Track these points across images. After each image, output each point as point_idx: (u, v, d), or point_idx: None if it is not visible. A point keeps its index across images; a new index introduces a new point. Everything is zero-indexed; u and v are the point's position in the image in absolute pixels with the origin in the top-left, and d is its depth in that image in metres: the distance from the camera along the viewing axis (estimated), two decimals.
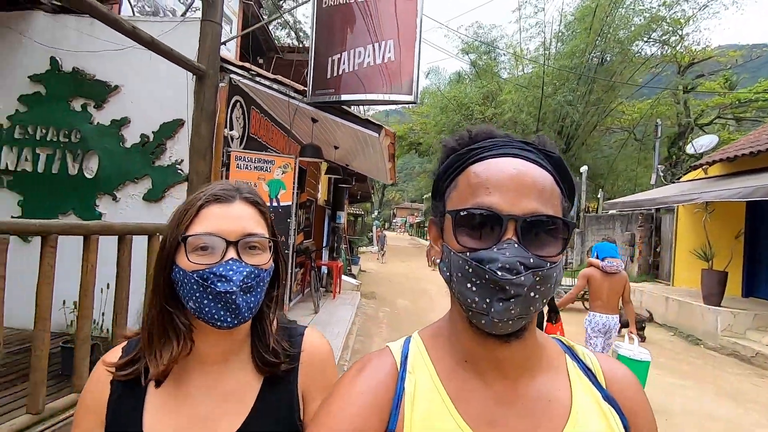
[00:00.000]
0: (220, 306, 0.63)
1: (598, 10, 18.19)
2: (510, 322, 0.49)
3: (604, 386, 0.59)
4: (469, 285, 0.50)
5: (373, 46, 3.27)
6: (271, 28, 11.57)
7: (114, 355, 0.72)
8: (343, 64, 3.39)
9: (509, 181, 0.51)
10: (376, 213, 38.12)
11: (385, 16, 3.27)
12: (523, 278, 0.47)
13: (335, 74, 3.42)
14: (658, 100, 21.21)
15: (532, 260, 0.48)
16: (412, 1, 3.20)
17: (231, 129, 3.85)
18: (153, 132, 3.76)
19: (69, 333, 2.95)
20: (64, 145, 3.75)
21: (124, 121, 3.79)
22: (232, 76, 3.75)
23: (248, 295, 0.65)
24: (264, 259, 0.68)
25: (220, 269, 0.63)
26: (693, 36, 20.38)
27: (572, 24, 20.46)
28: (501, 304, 0.48)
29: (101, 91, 3.70)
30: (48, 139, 3.73)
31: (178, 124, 3.65)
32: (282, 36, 16.19)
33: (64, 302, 2.70)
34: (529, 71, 20.27)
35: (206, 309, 0.63)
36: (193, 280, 0.63)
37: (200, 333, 0.69)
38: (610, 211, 13.71)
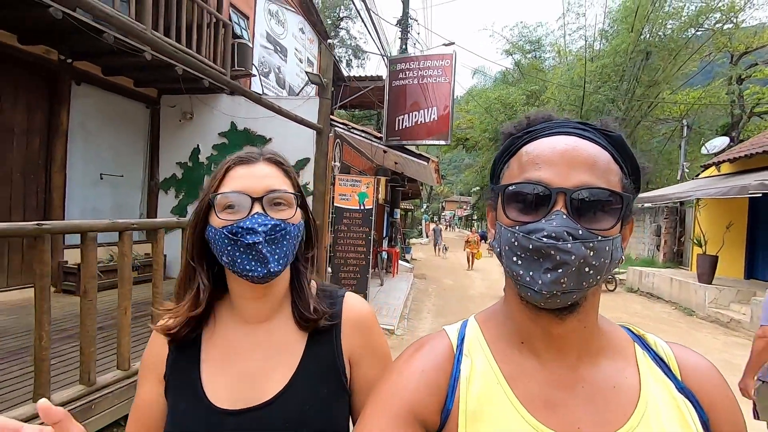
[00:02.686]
0: (250, 257, 0.67)
1: (640, 10, 18.69)
2: (560, 295, 0.47)
3: (679, 377, 0.55)
4: (515, 257, 0.50)
5: (423, 111, 5.42)
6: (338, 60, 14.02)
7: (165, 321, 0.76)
8: (405, 121, 5.59)
9: (559, 156, 0.50)
10: (425, 207, 40.11)
11: (430, 93, 5.39)
12: (570, 245, 0.46)
13: (399, 128, 5.62)
14: (708, 90, 20.89)
15: (580, 231, 0.47)
16: (447, 84, 5.31)
17: (335, 161, 6.19)
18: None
19: None
20: None
21: None
22: (336, 129, 6.07)
23: (275, 246, 0.69)
24: (290, 214, 0.72)
25: (247, 223, 0.67)
26: (750, 20, 19.68)
27: (614, 24, 20.91)
28: (549, 275, 0.47)
29: (261, 141, 6.15)
30: None
31: (307, 160, 6.01)
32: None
33: None
34: (571, 72, 21.09)
35: (238, 261, 0.68)
36: (223, 236, 0.68)
37: (240, 292, 0.74)
38: (642, 205, 14.79)
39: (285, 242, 0.70)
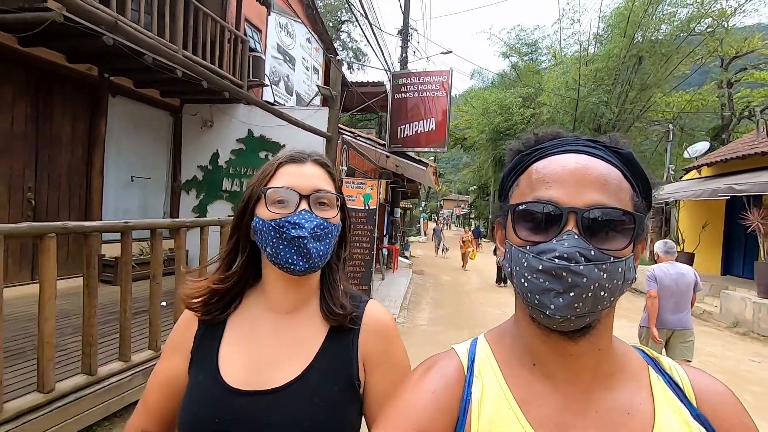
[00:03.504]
0: (294, 251, 0.71)
1: (632, 16, 19.26)
2: (573, 319, 0.47)
3: (694, 403, 0.54)
4: (527, 277, 0.49)
5: (422, 121, 6.04)
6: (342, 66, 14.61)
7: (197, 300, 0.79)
8: (406, 130, 6.21)
9: (570, 174, 0.50)
10: (423, 205, 40.79)
11: (429, 105, 6.01)
12: (582, 267, 0.46)
13: (401, 136, 6.24)
14: (699, 94, 21.47)
15: (593, 252, 0.47)
16: (444, 98, 5.93)
17: (342, 165, 6.81)
18: None
19: None
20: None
21: None
22: (343, 136, 6.69)
23: (318, 242, 0.72)
24: (332, 214, 0.76)
25: (294, 218, 0.72)
26: (741, 23, 20.05)
27: (608, 28, 21.46)
28: (560, 299, 0.46)
29: (275, 147, 6.75)
30: (246, 173, 6.87)
31: None
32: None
33: None
34: (566, 76, 21.64)
35: (281, 253, 0.71)
36: (270, 228, 0.72)
37: (273, 282, 0.78)
38: None
39: (326, 240, 0.74)
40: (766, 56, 21.71)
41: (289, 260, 0.72)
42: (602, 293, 0.47)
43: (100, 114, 5.56)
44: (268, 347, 0.75)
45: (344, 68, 20.23)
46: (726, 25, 20.17)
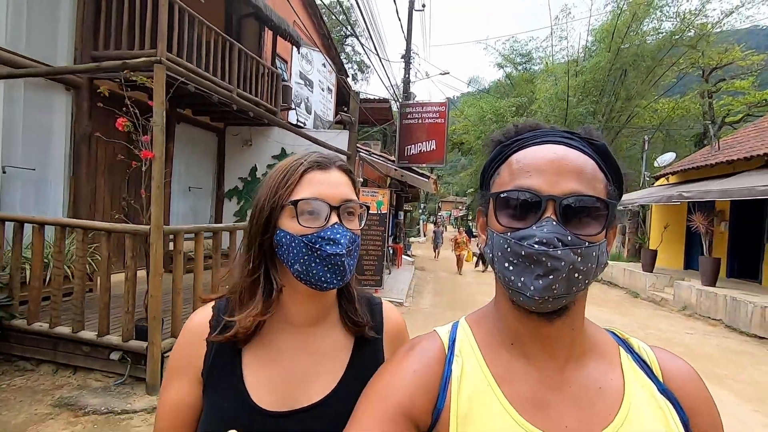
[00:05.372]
0: (327, 268, 0.66)
1: (616, 32, 20.70)
2: (550, 300, 0.50)
3: (661, 380, 0.58)
4: (507, 263, 0.52)
5: (425, 142, 7.52)
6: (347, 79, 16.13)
7: (204, 313, 0.73)
8: (412, 150, 7.69)
9: (548, 164, 0.52)
10: (422, 207, 42.29)
11: (431, 129, 7.48)
12: (560, 252, 0.48)
13: (408, 154, 7.70)
14: (680, 103, 22.86)
15: (569, 238, 0.49)
16: (442, 124, 7.41)
17: (359, 176, 8.29)
18: None
19: None
20: None
21: None
22: (360, 154, 8.16)
23: (350, 258, 0.69)
24: (357, 225, 0.72)
25: (328, 233, 0.66)
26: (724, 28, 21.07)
27: (595, 42, 22.88)
28: (540, 281, 0.49)
29: None
30: None
31: None
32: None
33: None
34: (556, 87, 22.94)
35: (313, 271, 0.66)
36: (302, 244, 0.66)
37: (292, 296, 0.72)
38: None
39: (356, 254, 0.71)
40: (742, 68, 23.17)
41: (323, 278, 0.67)
42: (577, 275, 0.50)
43: (170, 138, 7.02)
44: (295, 364, 0.71)
45: (349, 80, 21.77)
46: (707, 38, 21.36)
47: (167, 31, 4.31)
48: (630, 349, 0.62)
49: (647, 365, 0.60)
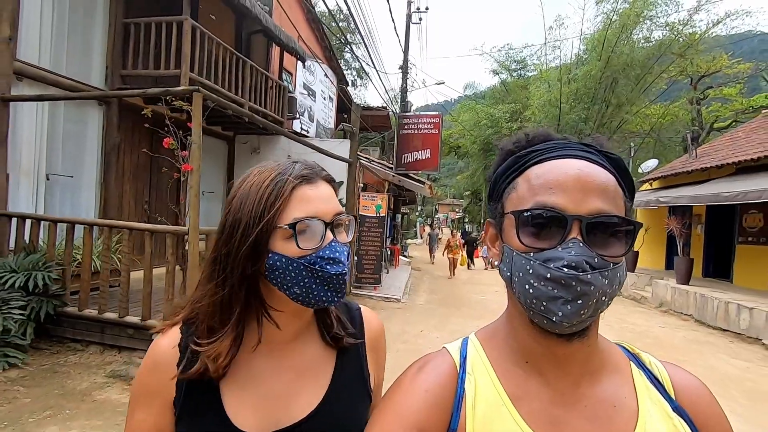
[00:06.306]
0: (327, 288, 0.64)
1: (606, 42, 21.40)
2: (576, 324, 0.49)
3: (673, 396, 0.57)
4: (529, 286, 0.50)
5: (420, 151, 8.18)
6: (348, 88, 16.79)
7: (170, 339, 0.68)
8: (409, 157, 8.35)
9: (573, 181, 0.50)
10: (419, 210, 42.98)
11: (427, 139, 8.14)
12: (590, 276, 0.47)
13: (405, 162, 8.36)
14: (669, 109, 23.57)
15: (596, 260, 0.48)
16: (437, 134, 8.07)
17: (359, 182, 8.94)
18: None
19: None
20: None
21: None
22: (360, 161, 8.81)
23: (347, 274, 0.66)
24: (347, 236, 0.70)
25: (327, 252, 0.64)
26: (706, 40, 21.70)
27: (587, 51, 23.60)
28: (569, 306, 0.47)
29: None
30: None
31: (341, 183, 8.69)
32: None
33: None
34: (549, 94, 23.58)
35: (314, 293, 0.64)
36: (302, 267, 0.63)
37: (276, 316, 0.68)
38: None
39: (349, 267, 0.68)
40: (729, 76, 23.92)
41: (323, 297, 0.65)
42: (604, 298, 0.49)
43: (186, 147, 7.65)
44: (276, 383, 0.68)
45: (348, 86, 22.46)
46: (696, 46, 22.02)
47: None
48: (641, 365, 0.61)
49: (659, 382, 0.59)
